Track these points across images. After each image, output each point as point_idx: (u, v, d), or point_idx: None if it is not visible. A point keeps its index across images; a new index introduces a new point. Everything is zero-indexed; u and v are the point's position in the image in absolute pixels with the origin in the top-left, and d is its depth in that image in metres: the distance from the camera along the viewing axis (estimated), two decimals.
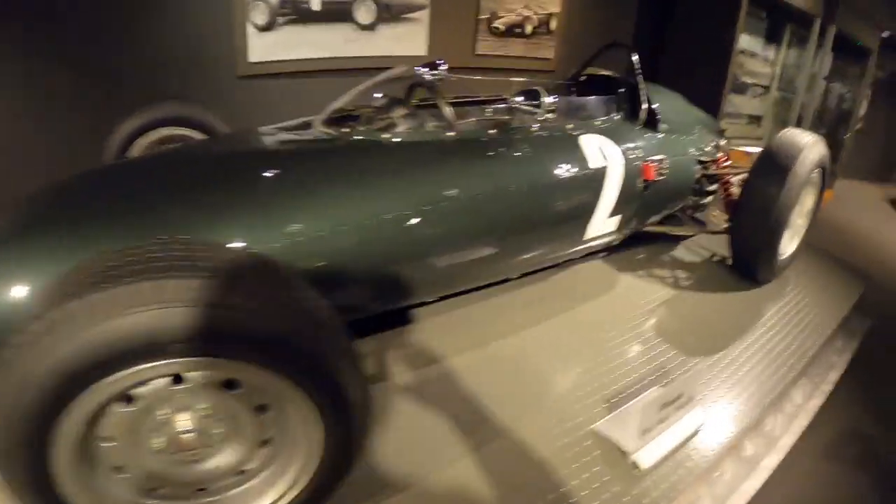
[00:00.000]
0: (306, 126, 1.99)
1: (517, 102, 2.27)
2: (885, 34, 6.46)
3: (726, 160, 3.10)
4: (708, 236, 3.33)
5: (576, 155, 2.32)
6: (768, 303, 2.87)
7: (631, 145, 2.58)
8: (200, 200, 1.50)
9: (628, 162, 2.50)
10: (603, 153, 2.41)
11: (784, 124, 5.53)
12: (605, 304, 2.69)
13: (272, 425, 1.14)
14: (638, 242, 3.17)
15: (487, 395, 1.93)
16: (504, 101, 2.32)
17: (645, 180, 2.57)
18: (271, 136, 1.95)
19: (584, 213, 2.38)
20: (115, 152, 2.53)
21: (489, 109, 2.40)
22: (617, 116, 2.77)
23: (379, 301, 1.91)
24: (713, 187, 3.14)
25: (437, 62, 2.14)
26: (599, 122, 2.62)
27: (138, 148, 2.58)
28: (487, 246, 2.06)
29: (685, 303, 2.78)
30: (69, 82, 2.92)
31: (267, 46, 3.49)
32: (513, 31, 4.58)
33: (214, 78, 3.36)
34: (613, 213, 2.49)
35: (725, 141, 3.14)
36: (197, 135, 2.70)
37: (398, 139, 1.93)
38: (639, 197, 2.61)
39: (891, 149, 9.05)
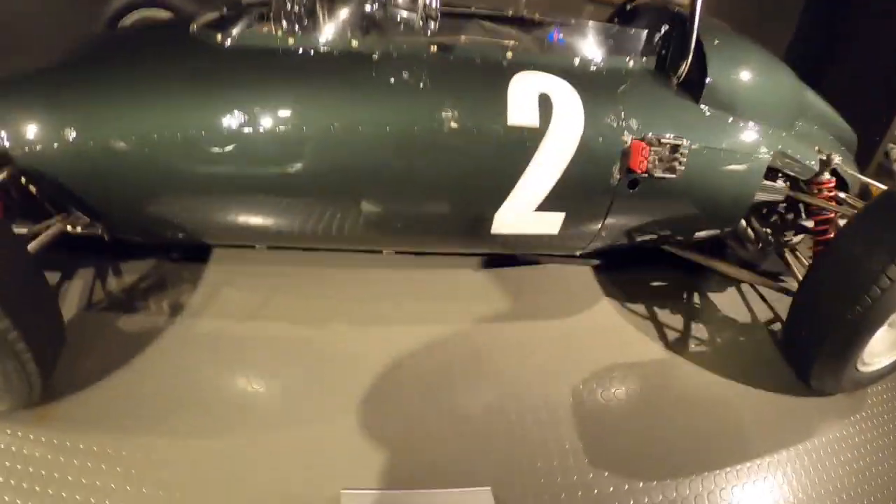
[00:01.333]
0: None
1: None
2: None
3: (831, 185, 1.86)
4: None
5: (491, 99, 1.52)
6: (813, 426, 1.74)
7: (619, 108, 1.61)
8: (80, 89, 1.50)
9: (597, 132, 1.57)
10: (544, 106, 1.53)
11: None
12: (558, 334, 1.89)
13: None
14: (669, 264, 2.17)
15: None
16: None
17: (629, 170, 1.60)
18: (164, 33, 1.80)
19: (488, 195, 1.60)
20: (105, 25, 2.63)
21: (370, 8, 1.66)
22: (635, 61, 1.75)
23: (218, 229, 1.69)
24: (809, 223, 1.96)
25: None
26: (581, 60, 1.67)
27: (127, 23, 2.63)
28: (331, 195, 1.59)
29: (680, 376, 1.81)
30: None
31: None
32: None
33: None
34: (549, 208, 1.62)
35: (840, 158, 1.84)
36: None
37: (244, 44, 1.56)
38: (612, 194, 1.66)
39: None
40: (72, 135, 1.41)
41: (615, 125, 1.60)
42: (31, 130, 1.42)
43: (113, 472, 1.33)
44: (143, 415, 1.45)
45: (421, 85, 1.50)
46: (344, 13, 1.63)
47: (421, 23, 1.46)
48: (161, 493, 1.30)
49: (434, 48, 1.55)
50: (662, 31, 1.81)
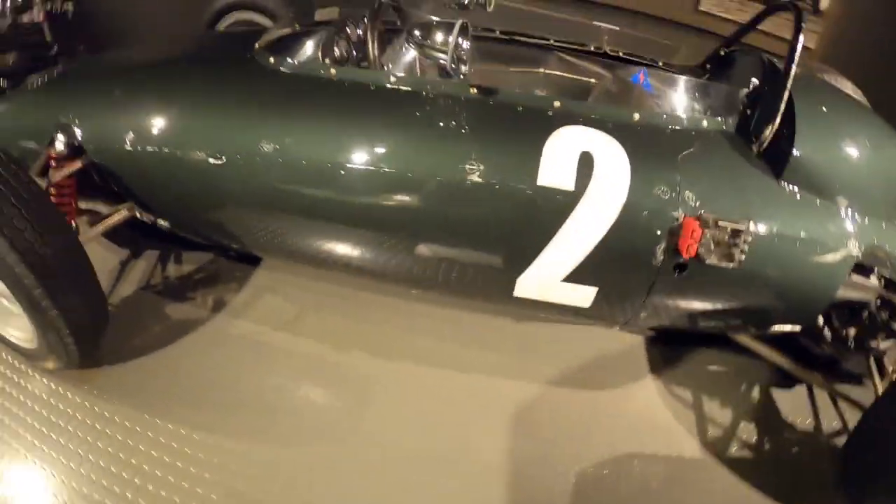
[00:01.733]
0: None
1: (419, 38, 1.41)
2: None
3: None
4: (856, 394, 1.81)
5: (523, 154, 1.41)
6: None
7: (677, 176, 1.41)
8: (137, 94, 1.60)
9: (643, 203, 1.40)
10: (584, 167, 1.39)
11: None
12: (584, 405, 1.76)
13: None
14: (732, 346, 1.91)
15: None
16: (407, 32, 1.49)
17: (675, 252, 1.41)
18: (228, 47, 1.86)
19: (509, 258, 1.50)
20: (205, 27, 2.75)
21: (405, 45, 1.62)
22: (709, 122, 1.52)
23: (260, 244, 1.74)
24: None
25: None
26: (643, 116, 1.48)
27: (224, 25, 2.73)
28: (349, 229, 1.57)
29: (711, 480, 1.60)
30: None
31: None
32: None
33: None
34: (579, 280, 1.48)
35: None
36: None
37: (292, 71, 1.58)
38: (654, 275, 1.47)
39: None
40: (131, 138, 1.51)
41: (667, 197, 1.40)
42: (101, 127, 1.54)
43: (125, 443, 1.48)
44: (171, 400, 1.59)
45: (451, 131, 1.43)
46: (388, 50, 1.61)
47: (453, 66, 1.38)
48: (158, 472, 1.43)
49: (474, 91, 1.47)
50: (751, 85, 1.57)
